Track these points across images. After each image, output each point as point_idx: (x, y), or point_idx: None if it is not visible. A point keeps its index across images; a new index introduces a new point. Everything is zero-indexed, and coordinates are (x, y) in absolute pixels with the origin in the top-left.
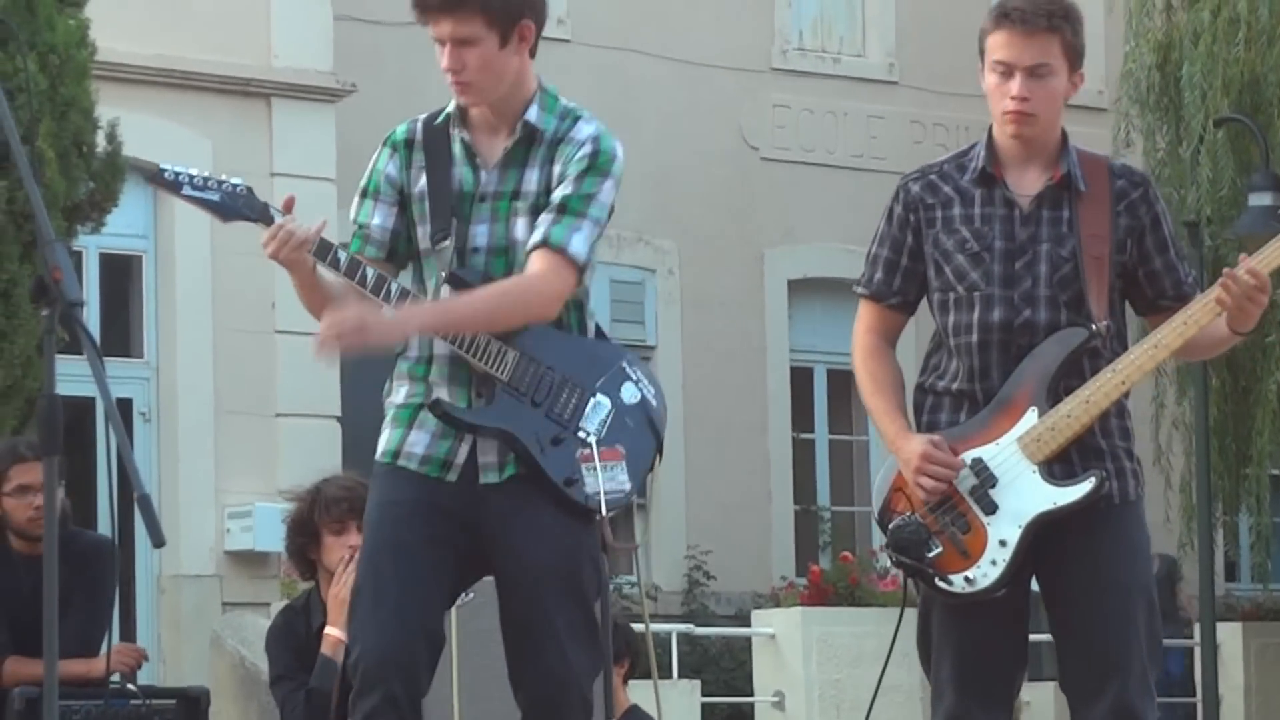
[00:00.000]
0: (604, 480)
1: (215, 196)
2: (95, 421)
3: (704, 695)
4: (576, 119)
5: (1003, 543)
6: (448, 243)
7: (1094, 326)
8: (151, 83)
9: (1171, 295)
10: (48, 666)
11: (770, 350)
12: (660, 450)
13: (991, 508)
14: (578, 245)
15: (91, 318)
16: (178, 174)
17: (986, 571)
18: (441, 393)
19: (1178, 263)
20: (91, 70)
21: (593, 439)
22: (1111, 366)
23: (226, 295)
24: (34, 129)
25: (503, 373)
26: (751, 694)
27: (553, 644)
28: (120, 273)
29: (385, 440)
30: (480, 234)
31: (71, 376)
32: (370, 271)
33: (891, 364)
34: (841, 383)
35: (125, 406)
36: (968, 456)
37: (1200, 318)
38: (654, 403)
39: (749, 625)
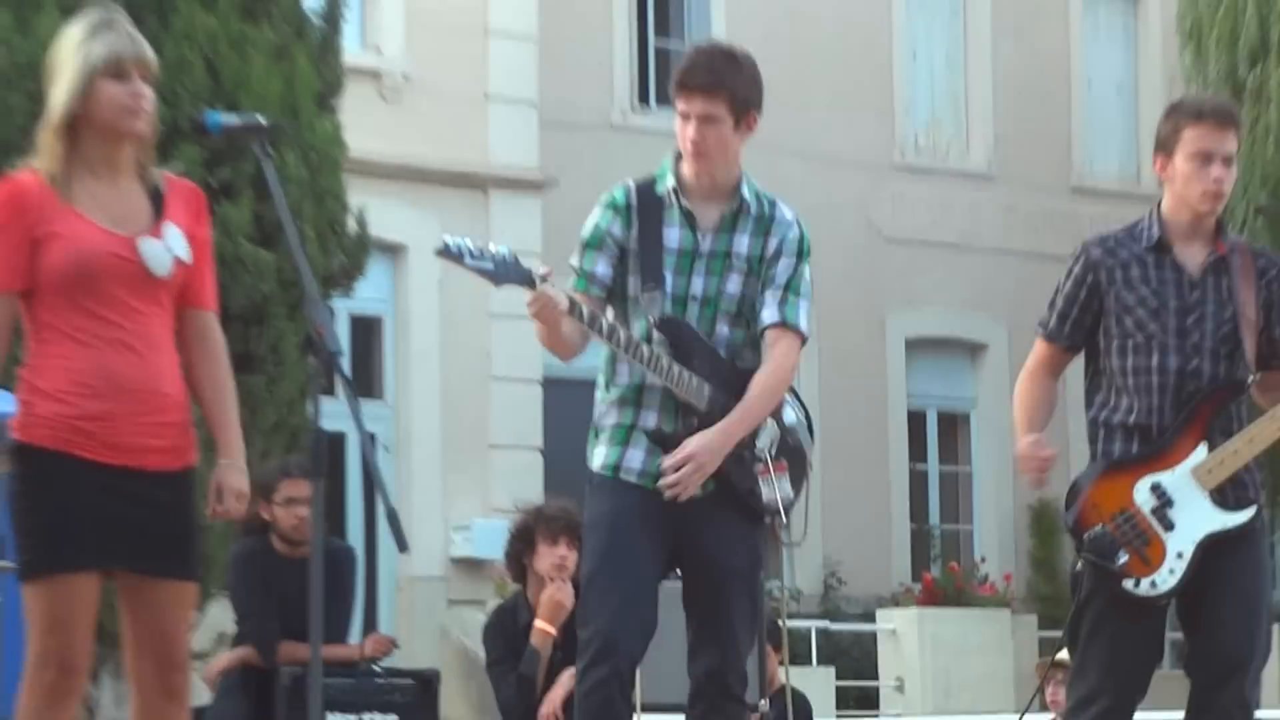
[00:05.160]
0: (776, 490)
1: (490, 265)
2: (345, 452)
3: (837, 680)
4: (774, 201)
5: (1180, 555)
6: (657, 293)
7: (1251, 377)
8: (391, 176)
9: None
10: (314, 650)
11: (890, 397)
12: (809, 460)
13: (1170, 525)
14: (805, 322)
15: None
16: (460, 246)
17: (1166, 578)
18: (652, 416)
19: None
20: (344, 164)
21: (765, 455)
22: (1271, 412)
23: (451, 349)
24: (299, 212)
25: (701, 404)
26: (876, 679)
27: (728, 630)
28: (366, 330)
29: (604, 455)
30: (697, 285)
31: (326, 414)
32: (605, 323)
33: (1043, 388)
34: (949, 423)
35: (369, 439)
36: (1148, 480)
37: None
38: (806, 421)
39: (874, 622)
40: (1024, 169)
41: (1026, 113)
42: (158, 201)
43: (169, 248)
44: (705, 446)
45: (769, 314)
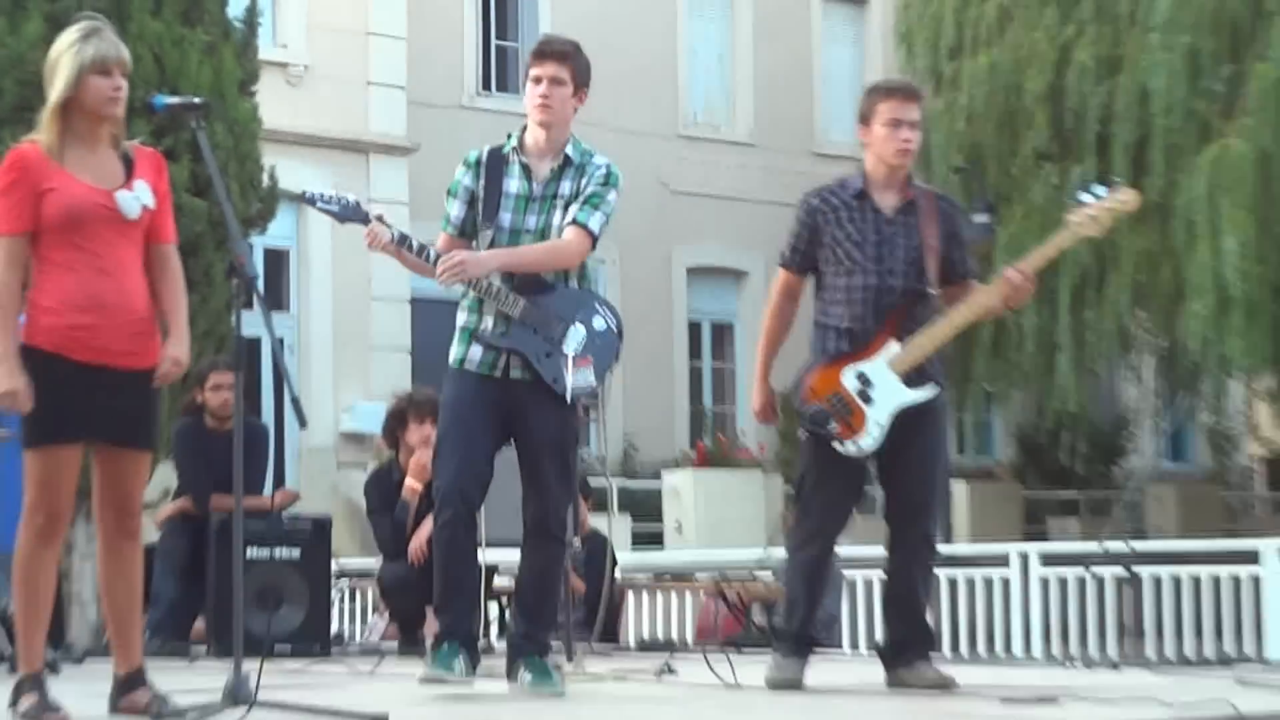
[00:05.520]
0: (577, 379)
1: (336, 208)
2: (259, 352)
3: (633, 524)
4: (593, 155)
5: (878, 423)
6: (490, 230)
7: (932, 291)
8: (295, 143)
9: (959, 274)
10: (236, 501)
11: (675, 311)
12: (618, 357)
13: (870, 401)
14: (594, 225)
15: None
16: (314, 194)
17: (867, 441)
18: (488, 320)
19: (966, 256)
20: (259, 135)
21: (571, 353)
22: (948, 317)
23: (341, 274)
24: (225, 171)
25: (516, 313)
26: (662, 523)
27: (546, 487)
28: (275, 260)
29: (456, 352)
30: (530, 221)
31: (245, 323)
32: (431, 252)
33: (781, 320)
34: (719, 331)
35: (278, 342)
36: (853, 369)
37: (994, 296)
38: (615, 329)
39: (661, 480)
40: (777, 139)
41: (779, 97)
42: (128, 164)
43: (138, 198)
44: (469, 256)
45: (568, 217)
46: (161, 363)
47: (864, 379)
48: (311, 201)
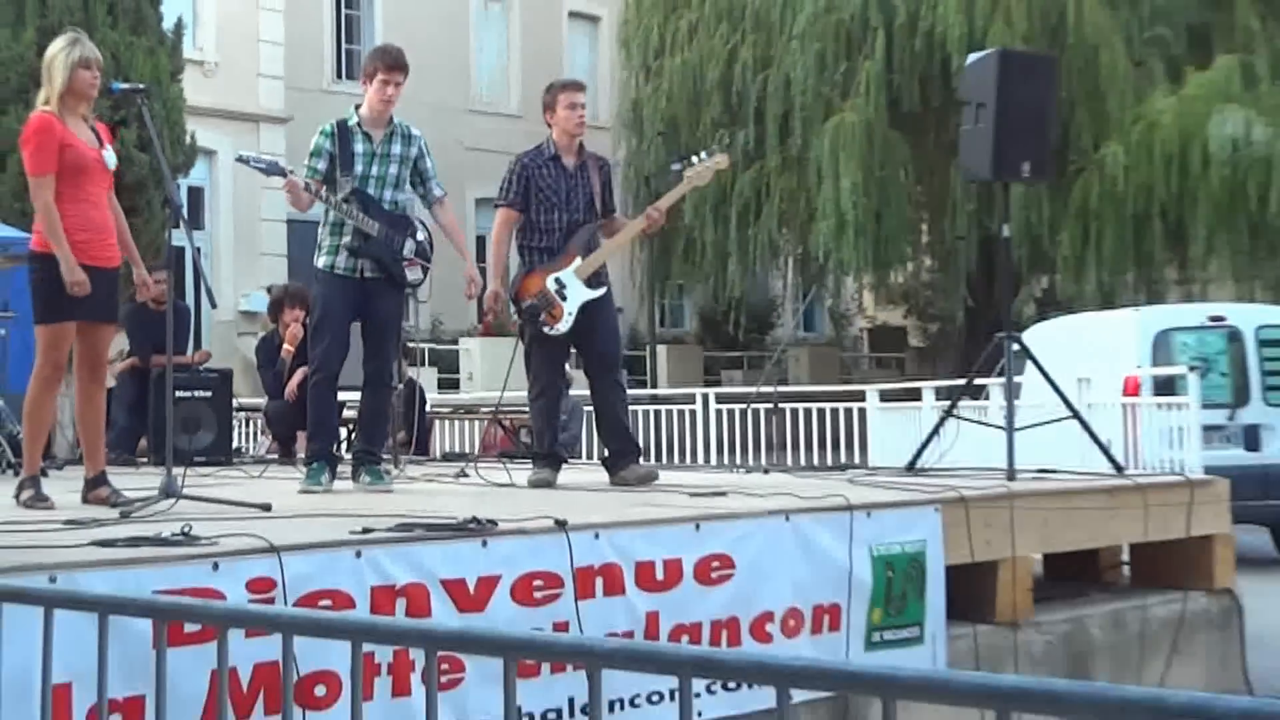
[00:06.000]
0: (411, 274)
1: (263, 166)
2: (185, 257)
3: (439, 375)
4: (409, 125)
5: (570, 313)
6: (349, 177)
7: (600, 222)
8: (208, 115)
9: (610, 211)
10: (168, 359)
11: (467, 229)
12: (431, 260)
13: (564, 297)
14: (444, 189)
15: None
16: (248, 156)
17: (564, 325)
18: (349, 236)
19: (612, 198)
20: (184, 110)
21: (407, 256)
22: (614, 239)
23: (239, 202)
24: (160, 134)
25: (373, 232)
26: (459, 373)
27: (382, 350)
28: (195, 194)
29: (326, 260)
30: (374, 170)
31: (175, 238)
32: (324, 192)
33: (508, 244)
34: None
35: (197, 250)
36: (553, 277)
37: (639, 226)
38: (428, 242)
39: (459, 345)
40: (538, 112)
41: (539, 82)
42: (96, 133)
43: (113, 158)
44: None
45: (436, 192)
46: (144, 290)
47: (560, 283)
48: (246, 162)
